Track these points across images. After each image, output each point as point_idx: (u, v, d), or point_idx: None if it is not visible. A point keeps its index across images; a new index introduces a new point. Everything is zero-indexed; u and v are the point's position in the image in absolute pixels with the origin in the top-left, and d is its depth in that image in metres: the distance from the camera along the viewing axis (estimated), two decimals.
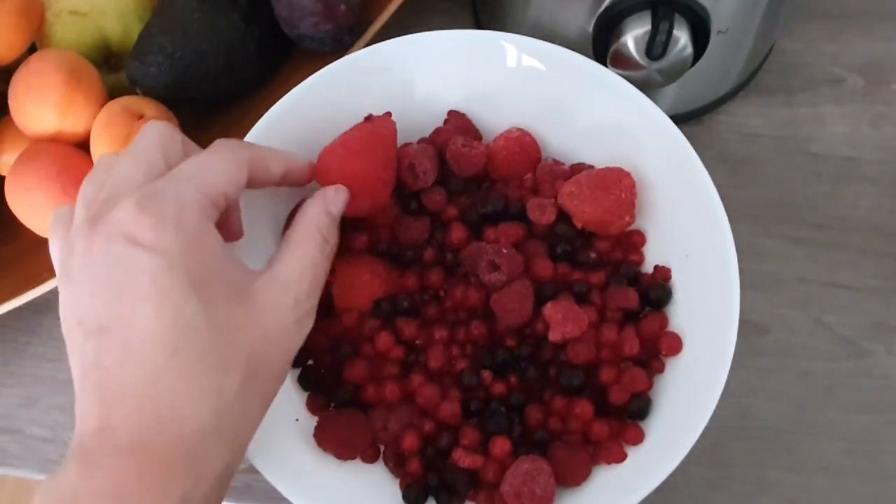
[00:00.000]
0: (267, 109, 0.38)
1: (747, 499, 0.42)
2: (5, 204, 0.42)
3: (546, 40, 0.39)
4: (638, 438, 0.35)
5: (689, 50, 0.38)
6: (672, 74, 0.40)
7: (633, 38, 0.38)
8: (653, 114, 0.37)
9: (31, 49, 0.44)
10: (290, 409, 0.36)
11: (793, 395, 0.43)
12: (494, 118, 0.40)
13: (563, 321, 0.35)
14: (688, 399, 0.35)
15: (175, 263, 0.27)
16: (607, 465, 0.35)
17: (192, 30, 0.41)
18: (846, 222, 0.47)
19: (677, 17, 0.38)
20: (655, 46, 0.37)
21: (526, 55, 0.39)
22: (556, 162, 0.40)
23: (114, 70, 0.45)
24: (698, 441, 0.33)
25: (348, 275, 0.37)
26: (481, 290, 0.36)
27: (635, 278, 0.38)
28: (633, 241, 0.38)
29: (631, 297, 0.36)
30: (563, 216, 0.38)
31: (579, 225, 0.37)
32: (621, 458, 0.35)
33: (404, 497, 0.35)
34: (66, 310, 0.29)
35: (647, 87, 0.39)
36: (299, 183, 0.35)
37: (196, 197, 0.29)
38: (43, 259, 0.43)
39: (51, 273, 0.42)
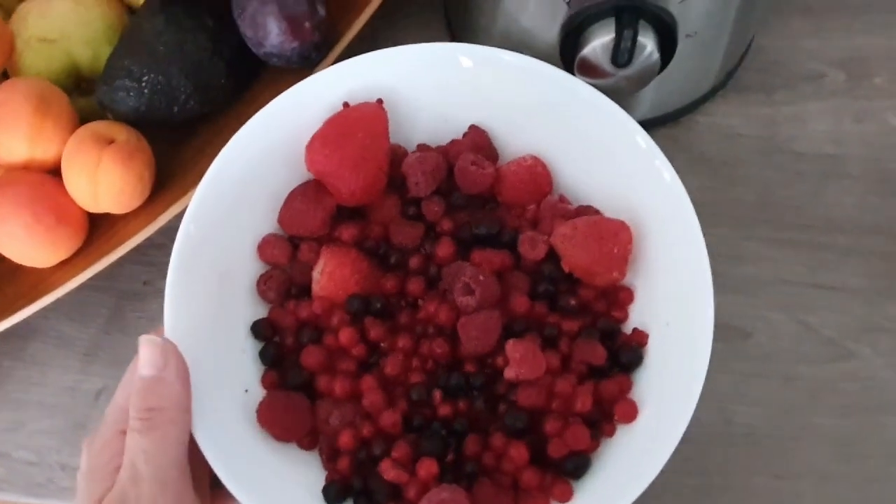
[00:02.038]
0: (238, 128, 0.38)
1: None
2: None
3: (516, 49, 0.38)
4: (566, 497, 0.34)
5: (656, 56, 0.38)
6: (640, 81, 0.39)
7: (598, 45, 0.38)
8: (667, 176, 0.36)
9: (3, 76, 0.44)
10: (242, 378, 0.36)
11: (778, 399, 0.43)
12: (515, 140, 0.40)
13: (521, 361, 0.34)
14: (628, 469, 0.34)
15: None
16: None
17: (159, 52, 0.41)
18: (830, 222, 0.46)
19: (642, 23, 0.37)
20: (620, 54, 0.37)
21: (553, 83, 0.38)
22: (563, 199, 0.39)
23: (85, 94, 0.45)
24: (682, 448, 0.33)
25: (330, 264, 0.37)
26: (454, 310, 0.36)
27: (612, 335, 0.37)
28: (620, 298, 0.37)
29: (598, 354, 0.36)
30: (553, 256, 0.37)
31: (567, 269, 0.37)
32: None
33: (323, 491, 0.35)
34: None
35: (616, 94, 0.38)
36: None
37: None
38: (21, 285, 0.43)
39: (29, 299, 0.42)
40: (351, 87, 0.38)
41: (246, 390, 0.36)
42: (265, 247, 0.38)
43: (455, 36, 0.49)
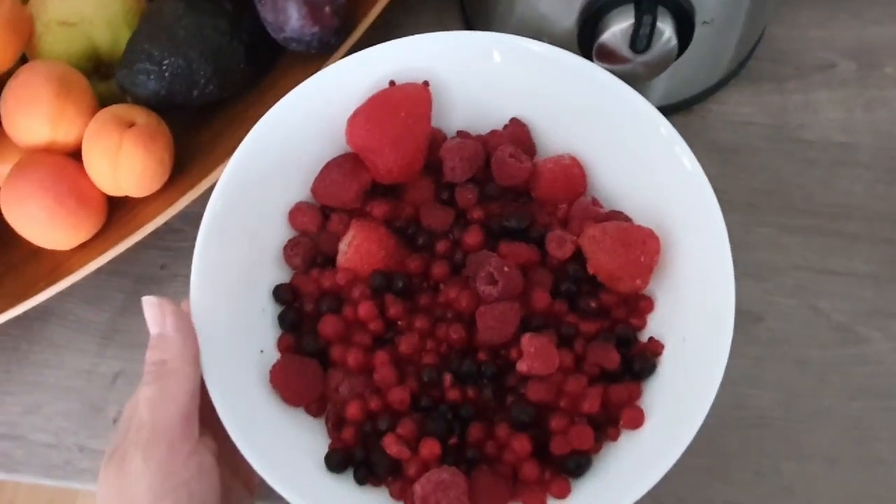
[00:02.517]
0: (257, 114, 0.39)
1: (744, 487, 0.42)
2: (1, 215, 0.42)
3: (533, 36, 0.39)
4: (563, 493, 0.34)
5: (674, 42, 0.38)
6: (658, 67, 0.40)
7: (617, 31, 0.38)
8: (704, 191, 0.36)
9: (22, 60, 0.44)
10: (259, 339, 0.37)
11: (788, 382, 0.44)
12: (553, 137, 0.40)
13: (535, 356, 0.34)
14: (627, 475, 0.34)
15: None
16: None
17: (179, 36, 0.42)
18: (840, 209, 0.47)
19: (660, 9, 0.38)
20: (639, 40, 0.37)
21: (594, 82, 0.38)
22: (596, 202, 0.39)
23: (105, 78, 0.45)
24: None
25: (358, 237, 0.38)
26: (474, 298, 0.37)
27: (627, 342, 0.37)
28: (640, 306, 0.38)
29: (611, 358, 0.36)
30: (580, 257, 0.37)
31: (591, 271, 0.37)
32: None
33: (326, 458, 0.35)
34: None
35: (633, 80, 0.38)
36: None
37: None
38: (40, 267, 0.43)
39: (48, 282, 0.42)
40: (394, 68, 0.39)
41: (261, 351, 0.37)
42: (296, 213, 0.39)
43: (470, 23, 0.50)
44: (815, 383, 0.43)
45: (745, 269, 0.44)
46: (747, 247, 0.46)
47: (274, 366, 0.36)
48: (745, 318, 0.44)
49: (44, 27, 0.43)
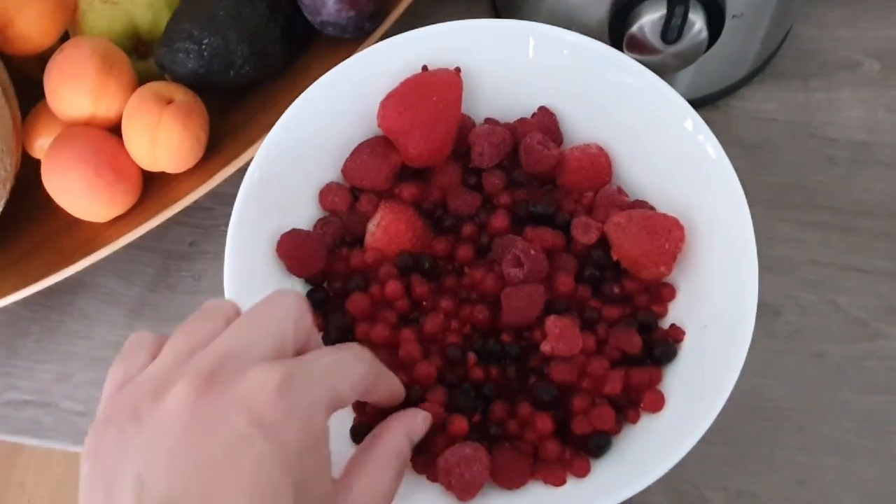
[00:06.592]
0: (290, 96, 0.40)
1: (758, 476, 0.43)
2: (41, 186, 0.43)
3: (563, 26, 0.40)
4: (582, 472, 0.35)
5: (704, 34, 0.39)
6: (687, 59, 0.40)
7: (648, 22, 0.39)
8: (731, 183, 0.37)
9: (64, 37, 0.45)
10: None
11: (805, 375, 0.44)
12: (581, 127, 0.41)
13: (559, 337, 0.35)
14: (645, 457, 0.35)
15: (289, 462, 0.24)
16: (544, 484, 0.35)
17: (219, 17, 0.43)
18: (860, 206, 0.47)
19: (692, 1, 0.38)
20: (671, 31, 0.38)
21: (621, 72, 0.39)
22: (621, 191, 0.40)
23: (143, 57, 0.46)
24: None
25: (386, 218, 0.39)
26: (500, 280, 0.37)
27: (649, 328, 0.37)
28: (662, 293, 0.38)
29: (633, 343, 0.36)
30: (604, 243, 0.38)
31: (615, 257, 0.38)
32: (560, 482, 0.35)
33: (352, 430, 0.36)
34: (114, 457, 0.25)
35: (662, 71, 0.39)
36: (390, 404, 0.34)
37: (328, 399, 0.27)
38: (76, 239, 0.44)
39: (83, 252, 0.43)
40: (426, 53, 0.40)
41: None
42: (327, 193, 0.40)
43: (500, 12, 0.50)
44: (831, 377, 0.44)
45: (765, 264, 0.45)
46: (768, 241, 0.46)
47: (281, 237, 0.37)
48: (764, 311, 0.45)
49: (87, 5, 0.44)
